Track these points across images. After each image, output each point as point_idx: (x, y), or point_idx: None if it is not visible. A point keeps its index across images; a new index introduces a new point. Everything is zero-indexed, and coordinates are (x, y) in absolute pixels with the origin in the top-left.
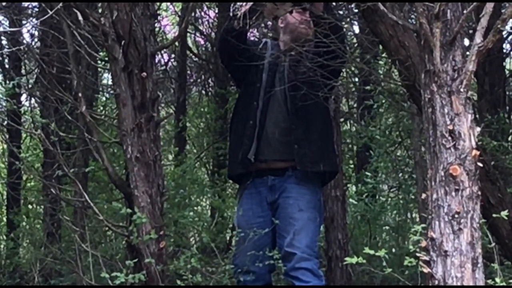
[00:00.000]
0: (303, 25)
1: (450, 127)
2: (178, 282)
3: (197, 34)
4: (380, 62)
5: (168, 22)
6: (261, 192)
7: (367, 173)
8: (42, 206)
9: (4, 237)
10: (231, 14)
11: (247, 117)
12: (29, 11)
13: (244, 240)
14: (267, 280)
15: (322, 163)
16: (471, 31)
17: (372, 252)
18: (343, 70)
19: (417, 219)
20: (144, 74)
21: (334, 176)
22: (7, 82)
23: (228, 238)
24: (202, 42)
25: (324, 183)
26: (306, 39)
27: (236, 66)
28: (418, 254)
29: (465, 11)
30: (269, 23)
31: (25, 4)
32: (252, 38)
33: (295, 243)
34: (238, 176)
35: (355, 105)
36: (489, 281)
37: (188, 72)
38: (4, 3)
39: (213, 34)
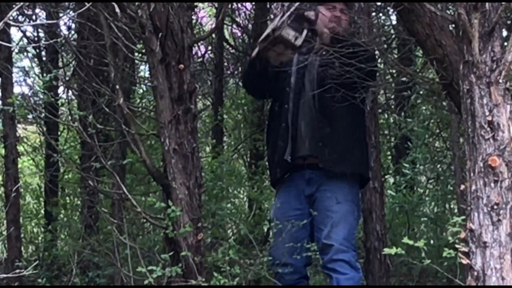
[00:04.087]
0: (332, 23)
1: (489, 118)
2: (216, 274)
3: (234, 26)
4: (418, 53)
5: (205, 14)
6: (298, 185)
7: (405, 164)
8: (80, 198)
9: (42, 229)
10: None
11: (280, 121)
12: (66, 4)
13: (281, 232)
14: (303, 273)
15: (345, 164)
16: (509, 22)
17: (411, 242)
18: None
19: (456, 211)
20: (182, 66)
21: (367, 179)
22: (45, 74)
23: (266, 230)
24: (239, 34)
25: (360, 186)
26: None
27: (265, 90)
28: (457, 246)
29: (503, 2)
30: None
31: None
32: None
33: (332, 235)
34: (279, 180)
35: (392, 97)
36: None
37: (225, 64)
38: None
39: (250, 26)
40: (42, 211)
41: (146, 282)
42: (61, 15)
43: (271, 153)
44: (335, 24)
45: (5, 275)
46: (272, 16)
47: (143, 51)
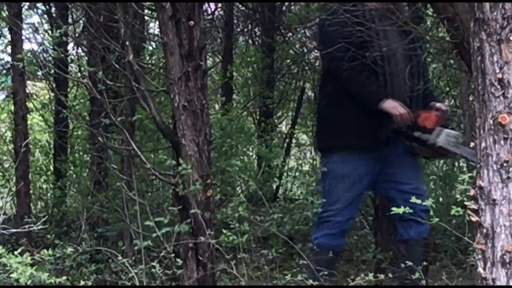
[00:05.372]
0: None
1: (499, 76)
2: (224, 231)
3: None
4: (429, 11)
5: None
6: (381, 149)
7: None
8: (89, 155)
9: (51, 186)
10: None
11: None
12: None
13: (350, 188)
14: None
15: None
16: None
17: (418, 201)
18: None
19: (464, 168)
20: (192, 22)
21: None
22: (54, 31)
23: (274, 187)
24: None
25: None
26: None
27: None
28: (466, 203)
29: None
30: None
31: None
32: None
33: (420, 186)
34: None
35: None
36: None
37: (235, 21)
38: None
39: None
40: (51, 168)
41: (154, 235)
42: None
43: (369, 119)
44: None
45: (14, 230)
46: None
47: (153, 7)
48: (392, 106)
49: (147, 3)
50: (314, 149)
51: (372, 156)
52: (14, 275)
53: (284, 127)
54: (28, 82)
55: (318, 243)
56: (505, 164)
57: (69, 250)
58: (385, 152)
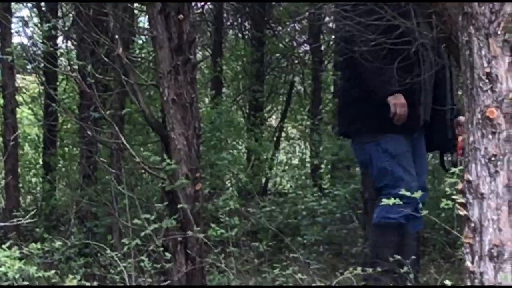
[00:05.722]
0: None
1: (487, 70)
2: (213, 225)
3: None
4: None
5: None
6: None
7: None
8: (78, 148)
9: (41, 179)
10: None
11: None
12: None
13: (408, 168)
14: None
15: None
16: None
17: (408, 193)
18: None
19: None
20: (181, 16)
21: None
22: (44, 24)
23: (263, 181)
24: None
25: None
26: None
27: None
28: (454, 197)
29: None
30: None
31: None
32: None
33: (426, 180)
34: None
35: None
36: None
37: (225, 15)
38: None
39: None
40: (41, 161)
41: (142, 234)
42: None
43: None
44: None
45: (3, 224)
46: None
47: (143, 1)
48: (394, 102)
49: None
50: (306, 138)
51: (409, 139)
52: (2, 269)
53: (273, 121)
54: (18, 75)
55: (401, 223)
56: (493, 158)
57: (58, 243)
58: (413, 137)
